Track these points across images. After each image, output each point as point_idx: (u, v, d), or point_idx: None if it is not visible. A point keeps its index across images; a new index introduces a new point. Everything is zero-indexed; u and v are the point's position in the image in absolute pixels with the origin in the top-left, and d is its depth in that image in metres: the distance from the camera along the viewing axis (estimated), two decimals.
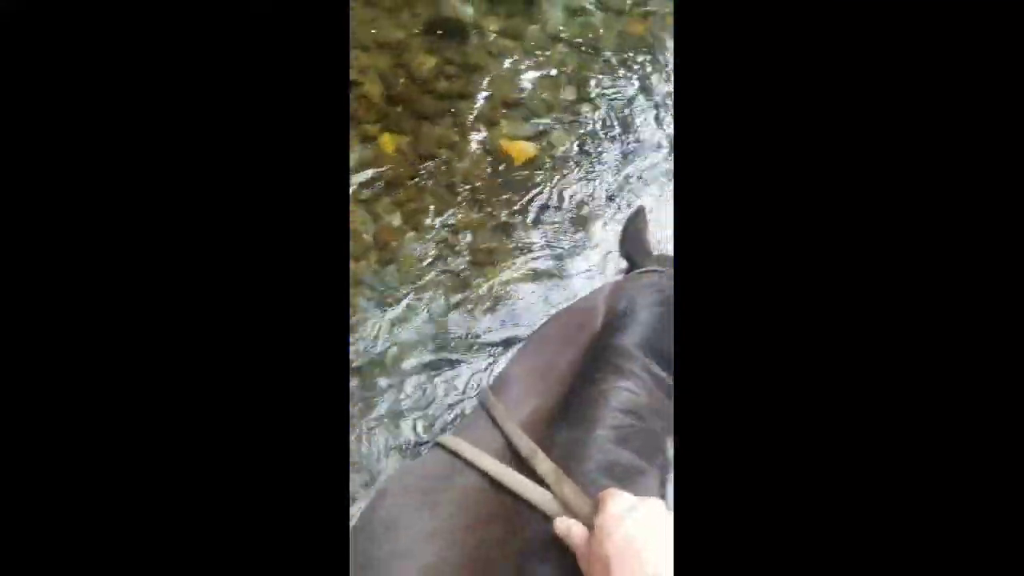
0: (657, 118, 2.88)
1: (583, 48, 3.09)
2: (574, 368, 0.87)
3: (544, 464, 0.72)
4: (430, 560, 0.69)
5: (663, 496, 0.76)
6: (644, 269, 1.15)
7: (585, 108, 2.90)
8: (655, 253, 1.28)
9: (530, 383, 0.90)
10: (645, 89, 2.99)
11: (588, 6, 3.28)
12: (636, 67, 3.06)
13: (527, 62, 3.00)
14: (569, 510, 0.67)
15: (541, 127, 2.80)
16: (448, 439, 0.82)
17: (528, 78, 2.95)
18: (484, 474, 0.74)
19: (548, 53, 3.05)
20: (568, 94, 2.92)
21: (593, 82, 2.99)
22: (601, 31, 3.17)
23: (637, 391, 0.82)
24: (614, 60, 3.07)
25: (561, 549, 0.65)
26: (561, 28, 3.15)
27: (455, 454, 0.78)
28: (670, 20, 3.28)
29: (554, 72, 2.98)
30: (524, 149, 2.71)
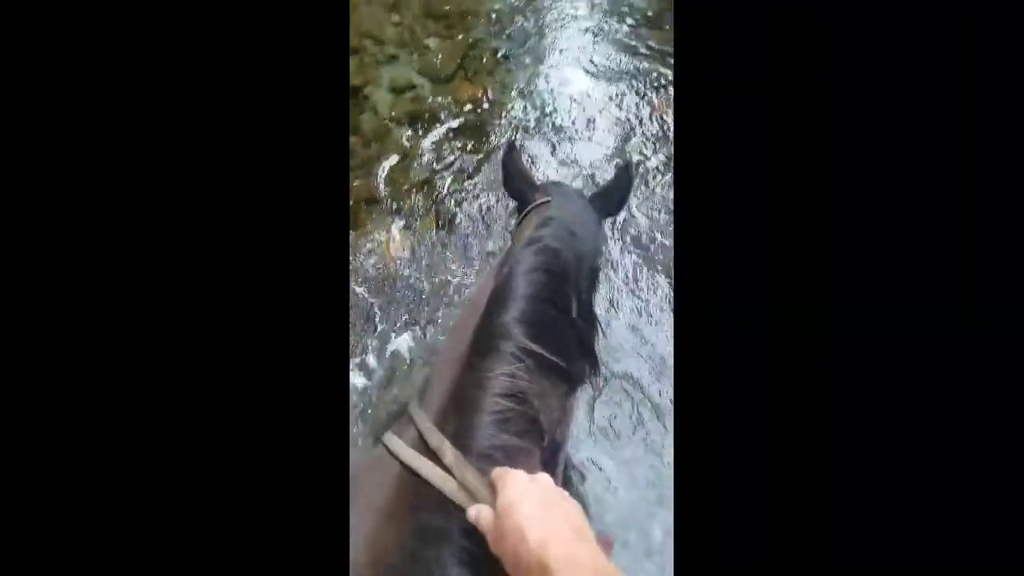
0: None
1: (421, 124, 2.94)
2: (466, 352, 0.89)
3: (449, 454, 0.76)
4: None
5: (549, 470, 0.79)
6: (533, 204, 1.17)
7: (443, 182, 2.73)
8: (539, 183, 1.30)
9: (440, 374, 0.92)
10: (498, 147, 2.88)
11: (413, 80, 3.15)
12: (477, 128, 2.95)
13: (373, 152, 2.79)
14: (472, 495, 0.70)
15: (406, 219, 2.57)
16: (390, 440, 0.84)
17: (380, 169, 2.73)
18: (410, 468, 0.78)
19: (390, 138, 2.86)
20: (421, 174, 2.73)
21: (443, 152, 2.83)
22: (434, 100, 3.04)
23: (516, 374, 0.84)
24: (455, 126, 2.94)
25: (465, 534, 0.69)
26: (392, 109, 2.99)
27: (393, 454, 0.81)
28: (501, 74, 3.24)
29: (396, 159, 2.78)
30: (398, 244, 2.47)
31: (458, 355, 0.90)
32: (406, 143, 2.85)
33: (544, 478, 0.66)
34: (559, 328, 0.93)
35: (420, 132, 2.91)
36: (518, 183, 1.29)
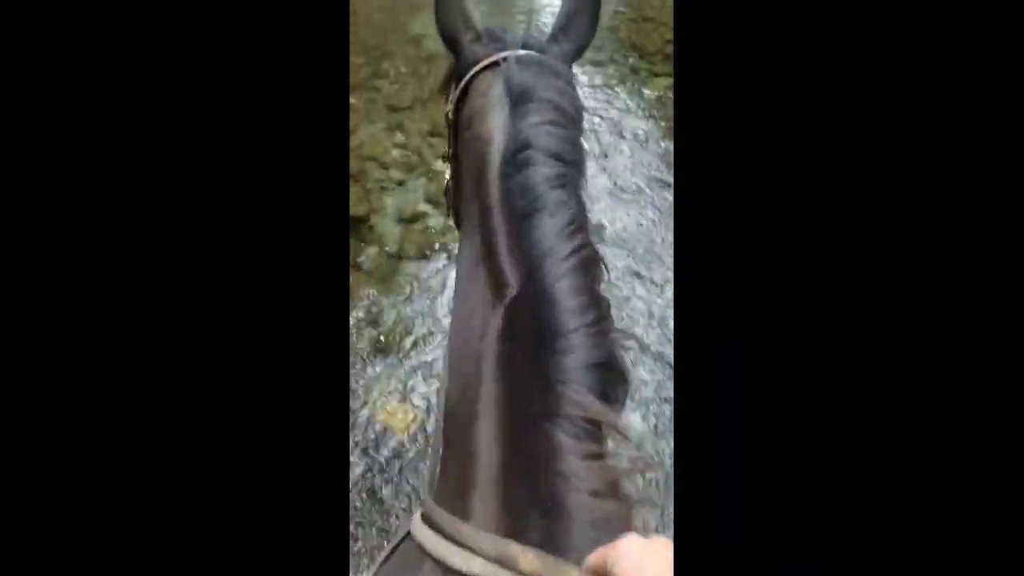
0: None
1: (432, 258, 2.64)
2: (503, 416, 0.62)
3: (530, 559, 0.54)
4: None
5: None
6: (481, 65, 0.83)
7: None
8: (481, 29, 0.90)
9: (461, 455, 0.65)
10: None
11: (423, 209, 2.87)
12: None
13: (387, 303, 2.46)
14: None
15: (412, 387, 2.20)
16: (420, 532, 0.63)
17: (388, 316, 2.40)
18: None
19: (405, 288, 2.54)
20: (435, 323, 2.40)
21: None
22: (448, 236, 2.75)
23: (610, 452, 0.61)
24: None
25: None
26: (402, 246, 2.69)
27: (430, 554, 0.61)
28: None
29: (411, 311, 2.44)
30: (404, 418, 2.09)
31: (488, 420, 0.63)
32: (416, 282, 2.53)
33: (663, 540, 0.50)
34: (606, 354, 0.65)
35: (433, 268, 2.60)
36: (453, 21, 0.90)
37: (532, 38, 0.90)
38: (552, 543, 0.57)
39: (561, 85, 0.82)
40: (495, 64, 0.82)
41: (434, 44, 4.32)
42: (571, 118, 0.80)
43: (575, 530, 0.57)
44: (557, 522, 0.57)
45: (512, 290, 0.66)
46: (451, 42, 0.92)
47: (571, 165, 0.74)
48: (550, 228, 0.67)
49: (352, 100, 3.65)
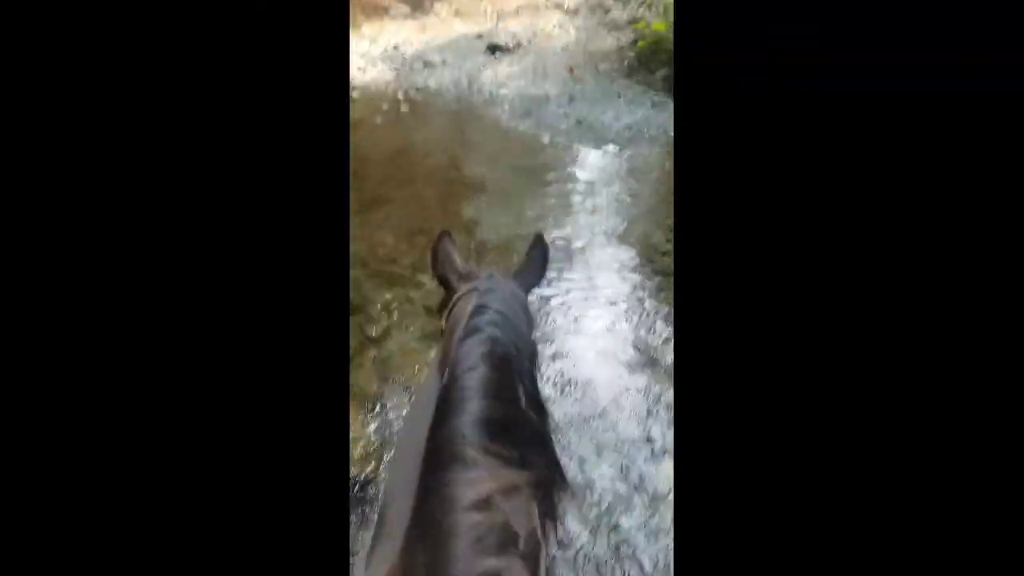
0: None
1: None
2: (421, 472, 0.76)
3: None
4: None
5: None
6: (460, 292, 1.16)
7: None
8: (464, 270, 1.29)
9: (395, 503, 0.79)
10: None
11: None
12: None
13: None
14: None
15: None
16: None
17: None
18: None
19: None
20: None
21: None
22: None
23: (479, 477, 0.73)
24: None
25: None
26: None
27: None
28: None
29: None
30: None
31: (413, 477, 0.76)
32: None
33: None
34: (512, 424, 0.82)
35: None
36: (444, 269, 1.28)
37: (496, 274, 1.26)
38: (434, 562, 0.65)
39: (512, 287, 1.21)
40: (473, 289, 1.14)
41: (487, 234, 4.12)
42: (518, 302, 1.15)
43: (455, 548, 0.66)
44: (438, 544, 0.66)
45: (443, 383, 0.85)
46: (445, 282, 1.28)
47: (506, 317, 1.02)
48: (473, 339, 0.92)
49: (387, 295, 3.36)
